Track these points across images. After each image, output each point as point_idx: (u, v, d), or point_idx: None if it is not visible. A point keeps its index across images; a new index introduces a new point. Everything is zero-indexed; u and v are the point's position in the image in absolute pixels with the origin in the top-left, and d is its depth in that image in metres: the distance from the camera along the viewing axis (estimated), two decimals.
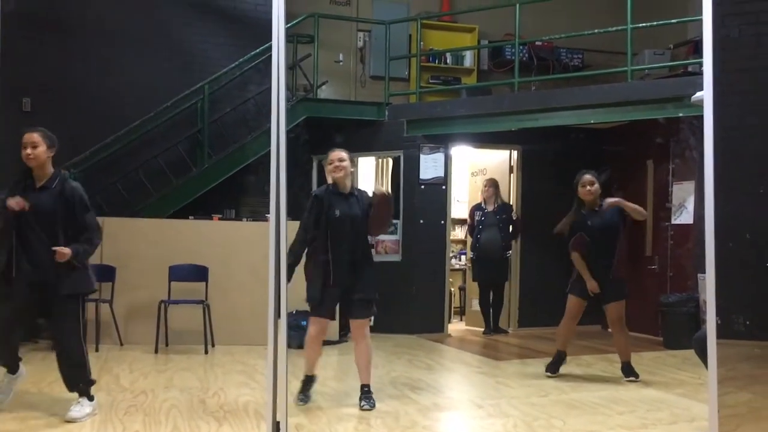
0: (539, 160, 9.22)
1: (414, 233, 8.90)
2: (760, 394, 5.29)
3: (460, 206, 10.25)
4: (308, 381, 5.15)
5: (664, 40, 9.14)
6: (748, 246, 7.20)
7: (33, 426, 4.31)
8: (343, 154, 5.00)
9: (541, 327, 8.75)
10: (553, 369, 6.17)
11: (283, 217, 3.43)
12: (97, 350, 6.96)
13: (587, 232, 5.97)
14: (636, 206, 6.03)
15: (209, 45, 8.94)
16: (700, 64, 6.67)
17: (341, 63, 9.91)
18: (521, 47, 9.23)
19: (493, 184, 9.05)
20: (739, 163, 7.22)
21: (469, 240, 9.35)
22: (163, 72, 8.64)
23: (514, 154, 9.43)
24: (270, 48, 3.57)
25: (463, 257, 10.26)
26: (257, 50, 8.47)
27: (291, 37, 8.59)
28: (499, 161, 9.58)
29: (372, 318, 5.17)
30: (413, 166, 8.94)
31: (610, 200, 6.01)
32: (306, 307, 5.14)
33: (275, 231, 3.44)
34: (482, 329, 9.01)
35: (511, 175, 9.47)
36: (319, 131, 8.72)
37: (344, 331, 7.62)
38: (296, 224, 4.89)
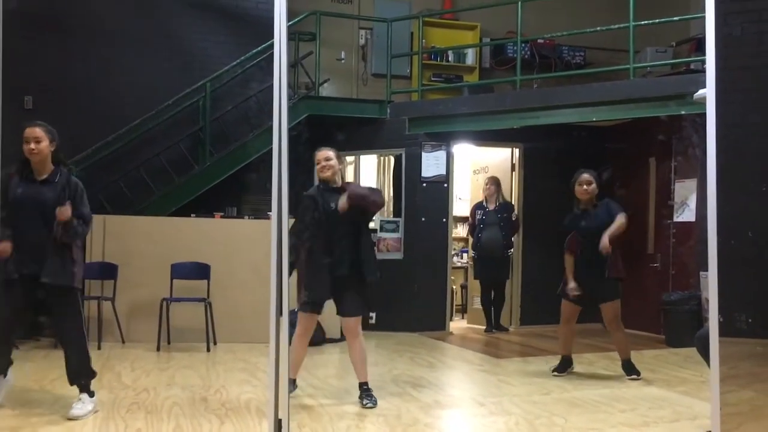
0: (541, 158, 9.20)
1: (416, 231, 8.90)
2: (762, 392, 5.28)
3: (461, 204, 10.24)
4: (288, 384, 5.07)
5: (666, 38, 9.12)
6: (751, 244, 7.20)
7: (35, 423, 4.31)
8: (330, 153, 4.99)
9: (542, 325, 8.76)
10: (560, 369, 6.18)
11: (284, 215, 3.43)
12: (99, 348, 6.97)
13: (581, 231, 5.95)
14: (617, 226, 5.78)
15: (210, 43, 8.95)
16: (703, 62, 6.72)
17: (343, 61, 9.89)
18: (523, 45, 9.22)
19: (494, 182, 9.04)
20: (741, 160, 7.22)
21: (470, 239, 9.35)
22: (164, 70, 8.64)
23: (516, 151, 9.43)
24: (271, 46, 3.56)
25: (464, 255, 10.26)
26: (259, 48, 8.47)
27: (293, 35, 8.59)
28: (500, 159, 9.57)
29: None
30: (415, 164, 8.94)
31: (604, 244, 5.73)
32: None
33: (277, 229, 3.43)
34: (484, 327, 9.01)
35: (513, 173, 9.47)
36: (321, 129, 8.70)
37: None
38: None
